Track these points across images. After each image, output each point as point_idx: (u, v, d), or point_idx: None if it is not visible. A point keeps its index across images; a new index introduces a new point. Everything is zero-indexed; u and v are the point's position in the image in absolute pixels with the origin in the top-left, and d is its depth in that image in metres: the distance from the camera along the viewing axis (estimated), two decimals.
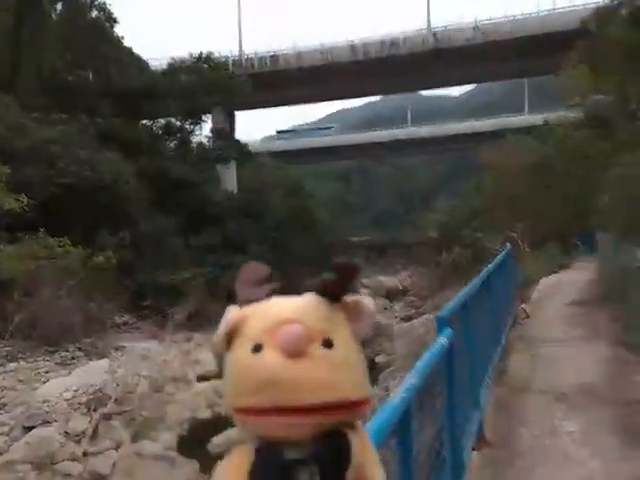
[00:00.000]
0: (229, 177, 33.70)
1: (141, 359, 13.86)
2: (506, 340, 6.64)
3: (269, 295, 0.81)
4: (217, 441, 9.47)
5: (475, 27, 35.54)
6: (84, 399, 10.41)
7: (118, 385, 11.16)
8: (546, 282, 13.13)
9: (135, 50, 29.96)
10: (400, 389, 1.92)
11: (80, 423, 9.64)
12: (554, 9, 34.29)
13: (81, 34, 25.39)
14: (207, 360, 14.41)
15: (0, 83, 20.87)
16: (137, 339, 16.24)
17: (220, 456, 0.80)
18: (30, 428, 9.18)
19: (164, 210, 22.28)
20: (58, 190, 17.35)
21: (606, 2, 18.12)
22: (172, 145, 29.83)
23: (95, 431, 9.58)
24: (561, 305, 10.14)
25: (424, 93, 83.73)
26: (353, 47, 38.30)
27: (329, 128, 68.57)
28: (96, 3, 26.95)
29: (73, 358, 13.90)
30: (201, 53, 31.35)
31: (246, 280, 0.84)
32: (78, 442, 9.27)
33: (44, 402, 10.01)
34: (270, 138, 77.69)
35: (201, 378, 13.14)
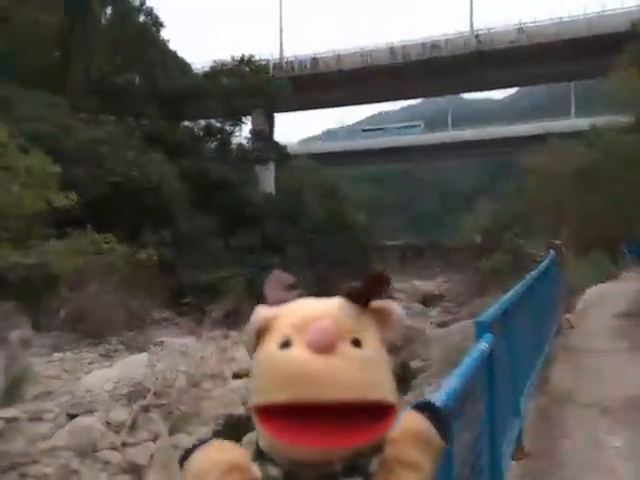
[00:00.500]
0: (267, 178, 34.07)
1: (179, 355, 14.18)
2: (549, 349, 6.46)
3: (296, 299, 0.81)
4: (247, 439, 9.59)
5: (519, 29, 34.71)
6: (124, 391, 10.74)
7: (157, 379, 11.46)
8: (592, 292, 12.68)
9: (179, 53, 30.82)
10: (440, 393, 1.91)
11: (120, 414, 9.95)
12: (603, 11, 33.11)
13: (129, 38, 26.26)
14: (242, 358, 14.62)
15: (50, 84, 21.78)
16: (176, 335, 16.61)
17: None
18: (73, 416, 9.52)
19: (204, 210, 22.75)
20: (105, 189, 17.95)
21: None
22: (212, 146, 30.41)
23: (134, 422, 9.87)
24: (607, 316, 9.78)
25: (466, 96, 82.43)
26: (393, 49, 38.08)
27: (416, 126, 64.19)
28: (144, 8, 27.82)
29: (115, 351, 14.36)
30: (243, 56, 31.88)
31: (274, 286, 0.84)
32: (118, 432, 9.57)
33: (87, 392, 10.38)
34: (308, 140, 77.97)
35: (236, 376, 13.33)
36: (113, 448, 9.15)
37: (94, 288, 15.07)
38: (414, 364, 15.43)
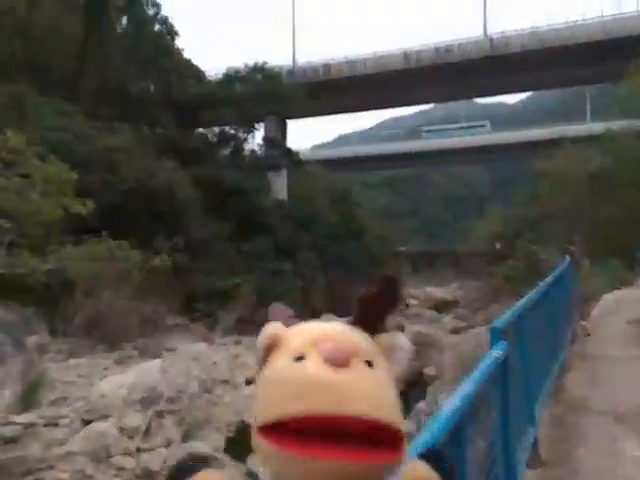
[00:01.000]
0: (280, 185, 34.23)
1: (192, 360, 14.25)
2: (564, 356, 6.38)
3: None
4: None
5: (533, 33, 34.53)
6: (138, 396, 10.80)
7: (170, 385, 11.52)
8: (607, 298, 12.51)
9: (193, 61, 31.21)
10: (453, 399, 1.90)
11: (134, 419, 10.01)
12: (618, 14, 32.79)
13: (144, 46, 26.64)
14: (254, 364, 14.63)
15: (66, 92, 22.13)
16: (188, 341, 16.72)
17: None
18: (88, 422, 9.61)
19: (217, 216, 22.92)
20: (119, 196, 18.18)
21: None
22: (226, 153, 30.67)
23: (148, 428, 9.93)
24: (623, 323, 9.64)
25: (479, 100, 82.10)
26: (406, 54, 38.09)
27: (482, 126, 60.52)
28: (159, 17, 28.23)
29: (129, 357, 14.50)
30: (256, 63, 32.18)
31: (276, 318, 0.82)
32: (131, 438, 9.63)
33: (102, 397, 10.48)
34: (321, 146, 78.06)
35: (248, 382, 13.35)
36: (127, 454, 9.20)
37: (109, 294, 15.26)
38: (428, 371, 15.30)
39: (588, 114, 53.65)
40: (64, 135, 18.18)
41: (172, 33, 28.89)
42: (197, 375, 12.57)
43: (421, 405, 9.82)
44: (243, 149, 31.19)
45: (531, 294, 4.58)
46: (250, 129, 30.55)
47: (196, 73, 30.11)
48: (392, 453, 0.68)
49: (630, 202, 19.95)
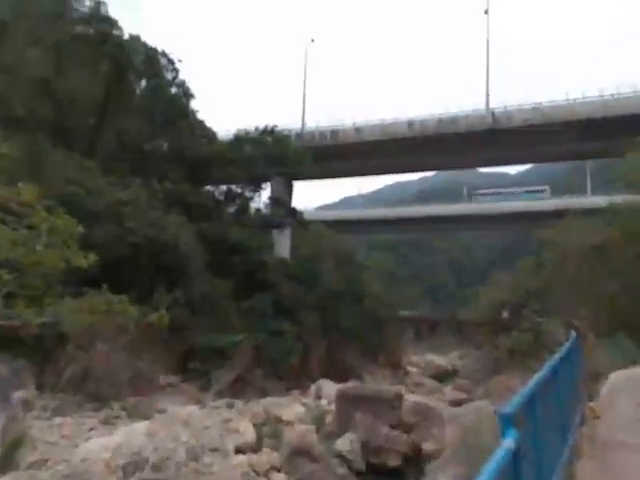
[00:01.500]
0: (283, 243, 34.41)
1: (182, 424, 13.71)
2: (574, 440, 6.04)
3: None
4: None
5: (535, 108, 35.76)
6: (122, 461, 10.30)
7: (157, 450, 11.00)
8: (616, 377, 12.08)
9: (207, 122, 32.30)
10: None
11: None
12: (618, 93, 34.02)
13: (161, 108, 27.71)
14: (247, 430, 14.06)
15: (83, 147, 22.83)
16: (180, 402, 16.18)
17: None
18: None
19: (219, 272, 22.87)
20: (125, 249, 18.24)
21: None
22: (231, 210, 31.10)
23: None
24: (634, 406, 9.23)
25: (481, 169, 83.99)
26: (411, 123, 39.35)
27: (542, 191, 57.66)
28: (176, 81, 29.54)
29: (116, 417, 13.99)
30: (266, 126, 33.28)
31: None
32: None
33: (83, 461, 9.98)
34: (327, 207, 79.13)
35: (238, 450, 12.76)
36: None
37: (102, 348, 14.94)
38: (427, 446, 14.62)
39: (589, 187, 54.51)
40: (77, 189, 18.53)
41: (188, 96, 30.13)
42: (186, 441, 12.03)
43: None
44: (249, 207, 31.67)
45: (540, 374, 4.35)
46: (257, 188, 31.16)
47: (208, 133, 31.11)
48: None
49: (635, 276, 19.79)
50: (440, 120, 38.46)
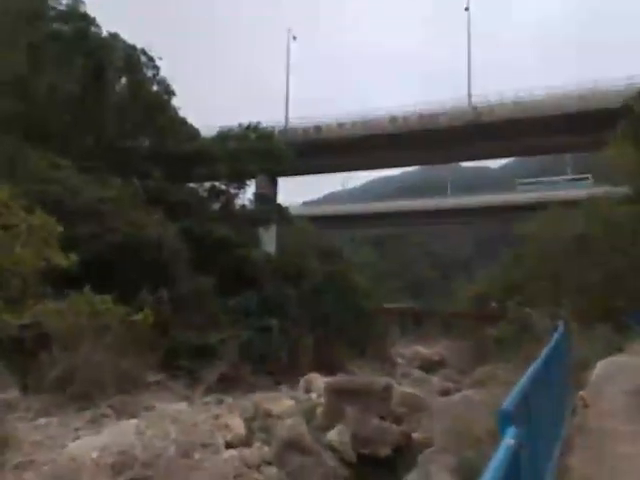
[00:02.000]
0: (269, 240, 34.32)
1: (171, 421, 13.58)
2: (566, 431, 6.09)
3: None
4: None
5: (515, 102, 36.18)
6: (111, 460, 10.18)
7: (146, 448, 10.90)
8: (602, 366, 12.27)
9: (189, 118, 31.92)
10: None
11: None
12: (594, 87, 34.58)
13: (141, 106, 27.32)
14: (236, 425, 14.00)
15: (60, 146, 22.39)
16: (168, 399, 16.02)
17: None
18: None
19: (204, 270, 22.68)
20: (106, 248, 17.98)
21: None
22: (216, 207, 30.87)
23: None
24: (624, 394, 9.35)
25: (463, 163, 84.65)
26: (393, 119, 39.52)
27: (586, 179, 54.69)
28: (157, 78, 29.15)
29: (104, 416, 13.78)
30: (250, 123, 33.08)
31: None
32: None
33: (71, 461, 9.84)
34: (312, 203, 79.06)
35: (229, 445, 12.71)
36: None
37: (86, 348, 14.70)
38: (417, 436, 14.76)
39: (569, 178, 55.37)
40: (55, 188, 18.19)
41: (169, 93, 29.75)
42: (175, 437, 11.94)
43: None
44: (234, 204, 31.45)
45: (534, 367, 4.28)
46: (241, 185, 30.97)
47: (190, 131, 30.78)
48: None
49: (614, 267, 20.20)
50: (422, 115, 38.69)
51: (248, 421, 14.35)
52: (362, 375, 20.93)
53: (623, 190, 21.94)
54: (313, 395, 17.74)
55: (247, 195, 32.82)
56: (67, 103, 24.91)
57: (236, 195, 31.11)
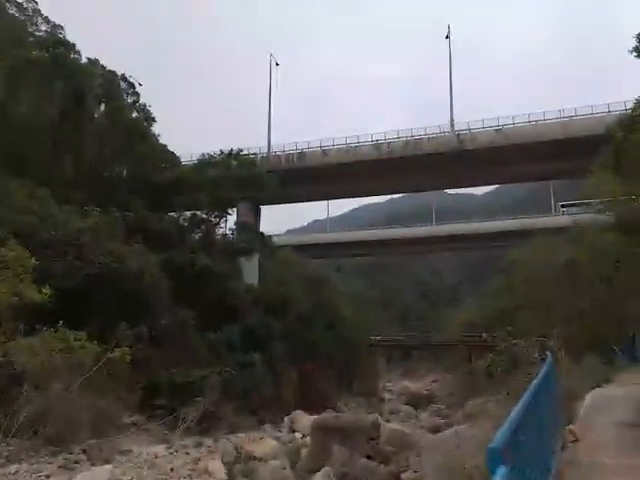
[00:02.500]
0: (252, 269, 33.71)
1: (148, 466, 12.84)
2: (556, 466, 5.74)
3: None
4: None
5: (498, 130, 36.61)
6: None
7: None
8: (592, 397, 11.96)
9: (170, 146, 31.65)
10: None
11: None
12: (575, 115, 35.20)
13: (120, 132, 26.98)
14: (217, 469, 13.30)
15: (39, 176, 21.87)
16: (146, 442, 15.22)
17: None
18: None
19: (184, 302, 22.03)
20: (84, 280, 17.36)
21: (628, 111, 18.55)
22: (197, 237, 30.34)
23: None
24: (614, 426, 9.04)
25: (449, 191, 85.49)
26: (378, 146, 39.67)
27: None
28: (137, 105, 28.93)
29: (76, 462, 12.98)
30: (231, 150, 32.82)
31: None
32: None
33: None
34: (296, 231, 78.70)
35: None
36: None
37: (59, 388, 13.94)
38: (405, 476, 14.14)
39: (552, 206, 55.93)
40: (30, 218, 17.64)
41: (149, 120, 29.51)
42: None
43: None
44: (215, 233, 30.95)
45: (524, 399, 4.07)
46: (223, 214, 30.53)
47: (171, 158, 30.45)
48: None
49: (602, 295, 20.08)
50: (407, 142, 38.92)
51: (229, 464, 13.64)
52: (349, 411, 20.27)
53: (607, 217, 22.01)
54: (298, 435, 17.06)
55: (229, 224, 32.43)
56: (46, 129, 24.50)
57: (217, 224, 30.65)
